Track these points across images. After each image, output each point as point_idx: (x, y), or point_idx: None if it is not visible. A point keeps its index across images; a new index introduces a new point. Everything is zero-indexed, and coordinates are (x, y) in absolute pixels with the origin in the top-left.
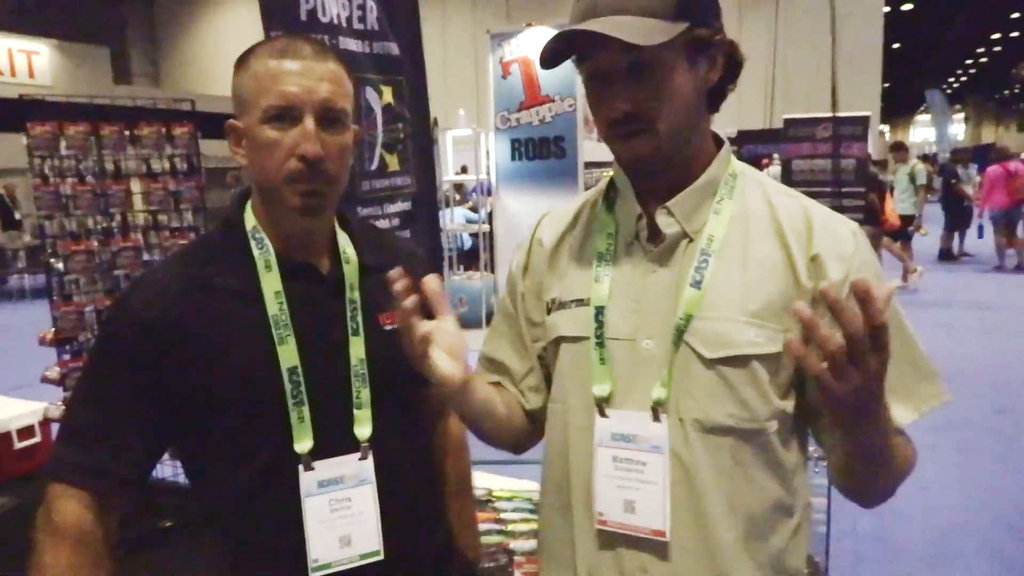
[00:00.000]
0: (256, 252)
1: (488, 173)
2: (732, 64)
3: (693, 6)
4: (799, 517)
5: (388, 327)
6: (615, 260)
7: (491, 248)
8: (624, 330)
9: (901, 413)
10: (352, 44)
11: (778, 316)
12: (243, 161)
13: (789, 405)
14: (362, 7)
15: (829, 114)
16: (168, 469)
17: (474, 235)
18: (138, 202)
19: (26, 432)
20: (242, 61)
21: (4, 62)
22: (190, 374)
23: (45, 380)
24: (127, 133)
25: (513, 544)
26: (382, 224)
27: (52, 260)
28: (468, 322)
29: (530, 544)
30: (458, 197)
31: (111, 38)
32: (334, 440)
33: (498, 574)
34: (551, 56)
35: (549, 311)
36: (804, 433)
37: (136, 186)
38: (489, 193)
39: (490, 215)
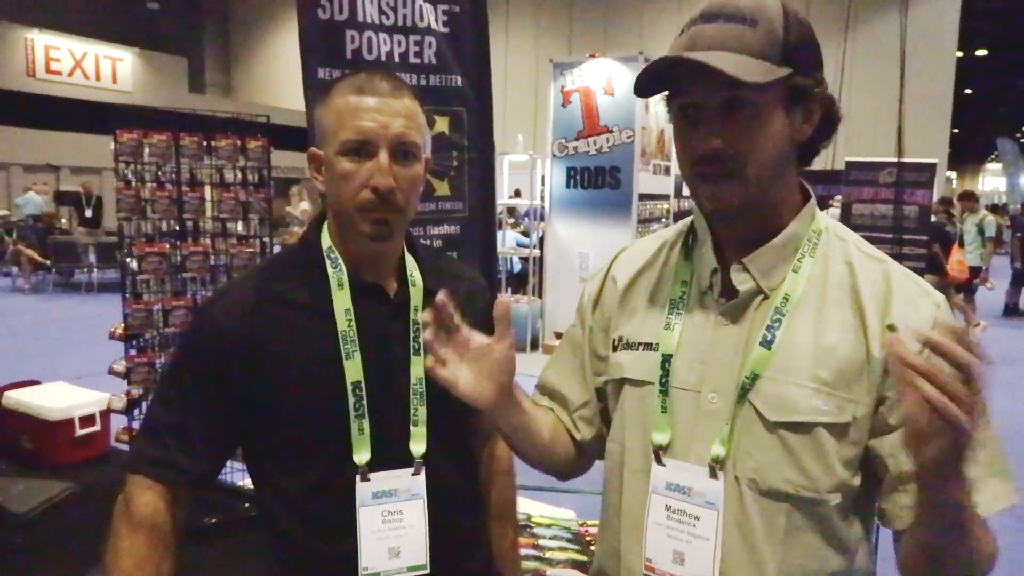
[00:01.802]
0: (330, 271)
1: (542, 199)
2: (828, 119)
3: (797, 54)
4: None
5: None
6: (687, 309)
7: (540, 273)
8: (690, 380)
9: (981, 504)
10: (403, 78)
11: (848, 385)
12: (322, 187)
13: (856, 479)
14: (419, 43)
15: (893, 159)
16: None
17: (524, 259)
18: (209, 209)
19: (88, 420)
20: (326, 92)
21: (91, 67)
22: (260, 382)
23: (112, 372)
24: (205, 144)
25: (549, 572)
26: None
27: (128, 259)
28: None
29: (566, 573)
30: (511, 221)
31: (189, 49)
32: (390, 454)
33: None
34: (647, 84)
35: (615, 348)
36: (871, 510)
37: (209, 194)
38: (542, 219)
39: (541, 240)
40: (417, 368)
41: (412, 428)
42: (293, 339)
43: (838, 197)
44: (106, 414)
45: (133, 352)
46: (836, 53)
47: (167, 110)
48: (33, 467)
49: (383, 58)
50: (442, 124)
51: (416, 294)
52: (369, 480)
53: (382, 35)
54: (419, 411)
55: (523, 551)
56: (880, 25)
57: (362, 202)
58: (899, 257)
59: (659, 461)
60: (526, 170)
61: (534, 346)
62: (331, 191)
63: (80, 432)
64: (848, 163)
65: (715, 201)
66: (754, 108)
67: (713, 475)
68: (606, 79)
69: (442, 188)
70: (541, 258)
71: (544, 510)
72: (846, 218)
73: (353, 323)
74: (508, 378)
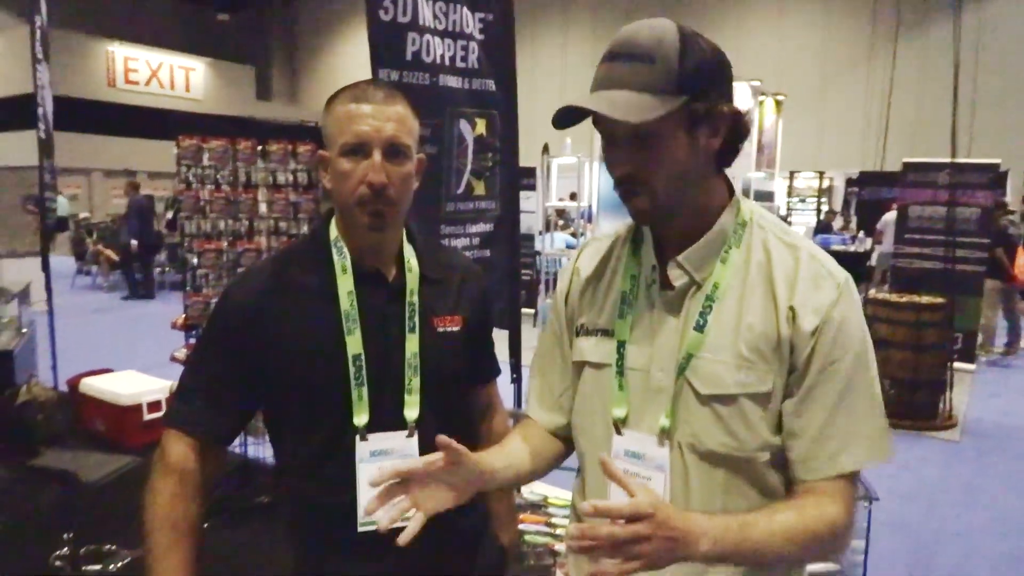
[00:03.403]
0: (336, 258)
1: (590, 201)
2: (736, 131)
3: (693, 81)
4: None
5: (440, 329)
6: (636, 299)
7: None
8: (639, 362)
9: (844, 460)
10: (452, 81)
11: (765, 359)
12: (328, 185)
13: (779, 438)
14: (465, 48)
15: (948, 159)
16: (269, 450)
17: None
18: (263, 210)
19: (154, 406)
20: (329, 104)
21: (166, 77)
22: (274, 353)
23: (173, 360)
24: (259, 148)
25: (559, 546)
26: (463, 242)
27: (188, 255)
28: None
29: None
30: (561, 222)
31: (257, 58)
32: (386, 418)
33: (541, 571)
34: (564, 120)
35: (577, 334)
36: None
37: (262, 196)
38: (590, 220)
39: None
40: (412, 344)
41: (406, 396)
42: (302, 316)
43: None
44: (171, 400)
45: (192, 340)
46: (906, 53)
47: (222, 116)
48: (106, 448)
49: (437, 61)
50: (481, 126)
51: (412, 279)
52: (367, 440)
53: (436, 39)
54: (413, 381)
55: (536, 527)
56: (950, 24)
57: (359, 197)
58: (953, 260)
59: (619, 432)
60: (575, 173)
61: None
62: (334, 188)
63: (148, 417)
64: (905, 164)
65: (632, 212)
66: (655, 137)
67: (660, 443)
68: None
69: (479, 188)
70: None
71: (560, 493)
72: (903, 220)
73: (355, 303)
74: (473, 483)
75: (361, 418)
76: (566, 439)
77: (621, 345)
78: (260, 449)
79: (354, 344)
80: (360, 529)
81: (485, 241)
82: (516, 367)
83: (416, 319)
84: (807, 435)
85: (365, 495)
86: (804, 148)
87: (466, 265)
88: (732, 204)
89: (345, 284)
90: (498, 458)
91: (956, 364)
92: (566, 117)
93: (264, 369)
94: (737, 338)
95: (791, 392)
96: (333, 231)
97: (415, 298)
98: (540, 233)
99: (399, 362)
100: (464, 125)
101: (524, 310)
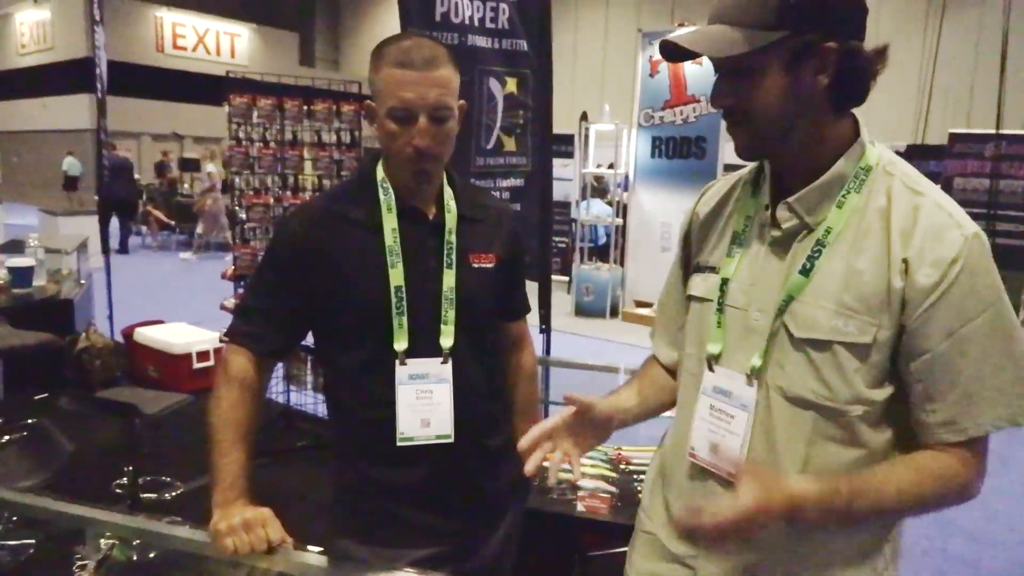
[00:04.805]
0: (382, 197)
1: (627, 169)
2: (851, 70)
3: (795, 15)
4: None
5: (476, 265)
6: (747, 239)
7: (623, 242)
8: (740, 301)
9: (975, 422)
10: (481, 41)
11: (872, 310)
12: (376, 133)
13: (878, 394)
14: (495, 8)
15: (994, 131)
16: (309, 398)
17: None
18: (308, 167)
19: (203, 355)
20: (376, 56)
21: (212, 43)
22: (323, 281)
23: (223, 308)
24: (305, 108)
25: (581, 481)
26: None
27: (237, 209)
28: (592, 311)
29: (594, 484)
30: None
31: (301, 24)
32: (424, 345)
33: (563, 504)
34: (672, 55)
35: (693, 272)
36: (905, 423)
37: (307, 153)
38: (626, 188)
39: (624, 208)
40: (449, 278)
41: (442, 326)
42: (350, 248)
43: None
44: (219, 350)
45: (241, 290)
46: (956, 25)
47: (271, 82)
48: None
49: (466, 22)
50: (512, 85)
51: (451, 219)
52: (406, 364)
53: (465, 1)
54: (448, 313)
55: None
56: None
57: (407, 156)
58: (993, 234)
59: (711, 368)
60: (613, 141)
61: (614, 313)
62: (381, 141)
63: (197, 365)
64: (952, 135)
65: (735, 146)
66: (749, 71)
67: (749, 383)
68: None
69: (510, 144)
70: (624, 227)
71: None
72: (946, 193)
73: (398, 239)
74: (608, 425)
75: (400, 344)
76: None
77: (724, 282)
78: (302, 397)
79: (396, 276)
80: (398, 444)
81: (516, 195)
82: (546, 318)
83: (453, 256)
84: (945, 400)
85: (404, 414)
86: None
87: (500, 206)
88: (855, 147)
89: (389, 221)
90: (628, 397)
91: None
92: (674, 53)
93: (315, 293)
94: (843, 285)
95: (912, 352)
96: (379, 172)
97: (453, 237)
98: (577, 202)
99: (436, 295)
100: (493, 83)
101: (558, 277)
